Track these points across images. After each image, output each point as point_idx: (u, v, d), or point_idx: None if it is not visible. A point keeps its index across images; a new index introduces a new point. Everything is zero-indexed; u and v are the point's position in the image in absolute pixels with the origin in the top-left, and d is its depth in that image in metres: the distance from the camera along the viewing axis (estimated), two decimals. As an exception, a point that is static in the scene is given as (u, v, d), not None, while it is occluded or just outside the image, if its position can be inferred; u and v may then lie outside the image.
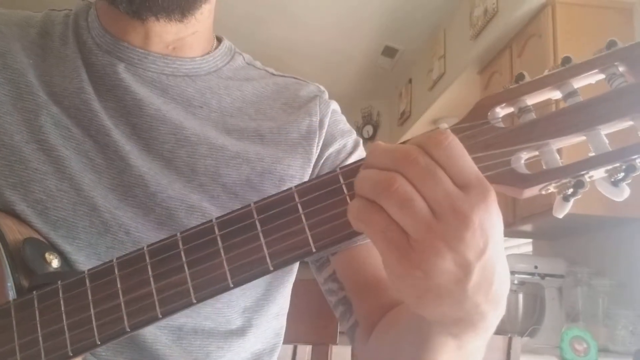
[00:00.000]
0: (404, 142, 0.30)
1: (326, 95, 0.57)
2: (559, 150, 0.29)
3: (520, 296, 1.84)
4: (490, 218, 0.27)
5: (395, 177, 0.27)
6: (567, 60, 0.29)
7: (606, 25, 1.75)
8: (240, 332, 0.48)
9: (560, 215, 0.28)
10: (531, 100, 0.30)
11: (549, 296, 1.82)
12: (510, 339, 1.21)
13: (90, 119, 0.46)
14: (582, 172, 0.27)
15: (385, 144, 0.29)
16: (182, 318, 0.45)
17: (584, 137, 0.28)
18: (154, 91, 0.48)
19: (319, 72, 3.09)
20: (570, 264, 1.85)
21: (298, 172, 0.50)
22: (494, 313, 0.30)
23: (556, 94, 0.29)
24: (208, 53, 0.53)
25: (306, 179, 0.51)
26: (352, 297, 0.50)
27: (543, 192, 0.29)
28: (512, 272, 1.84)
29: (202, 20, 0.50)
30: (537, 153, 0.29)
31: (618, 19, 1.79)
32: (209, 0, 0.48)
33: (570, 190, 0.28)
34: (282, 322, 0.54)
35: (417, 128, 3.00)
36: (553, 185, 0.28)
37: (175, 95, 0.49)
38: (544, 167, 0.29)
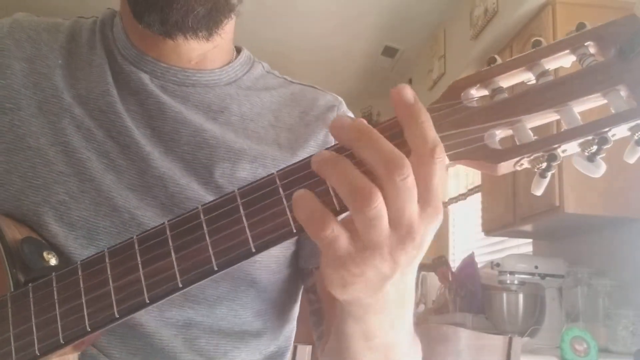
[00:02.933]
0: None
1: (344, 106, 0.58)
2: (534, 130, 0.30)
3: (521, 296, 1.83)
4: (429, 234, 0.29)
5: (376, 195, 0.28)
6: (537, 42, 0.30)
7: (606, 25, 1.75)
8: (256, 333, 0.49)
9: (539, 193, 0.29)
10: (504, 82, 0.30)
11: (549, 296, 1.81)
12: (510, 339, 1.21)
13: (113, 121, 0.47)
14: (555, 146, 0.28)
15: (377, 133, 0.29)
16: (198, 317, 0.46)
17: (556, 115, 0.29)
18: (175, 99, 0.50)
19: (319, 72, 3.09)
20: (570, 264, 1.84)
21: None
22: (398, 304, 0.34)
23: (529, 76, 0.30)
24: (228, 64, 0.54)
25: None
26: (325, 310, 0.51)
27: (517, 168, 0.29)
28: (512, 272, 1.83)
29: (223, 35, 0.51)
30: (510, 131, 0.29)
31: (618, 19, 1.78)
32: (232, 16, 0.50)
33: (544, 165, 0.28)
34: (294, 325, 0.56)
35: (418, 128, 2.99)
36: (526, 159, 0.29)
37: (196, 102, 0.50)
38: (517, 144, 0.29)
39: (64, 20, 0.55)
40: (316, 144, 0.53)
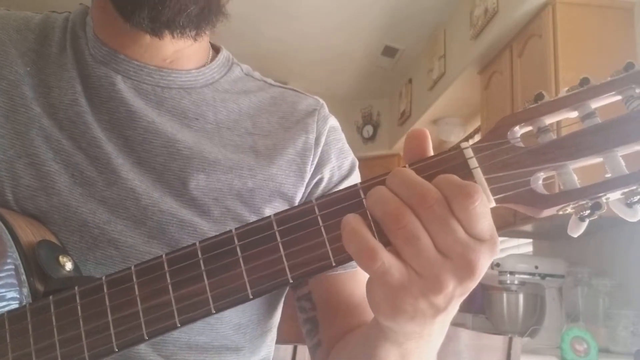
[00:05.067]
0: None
1: (325, 110, 0.56)
2: (575, 169, 0.30)
3: (521, 296, 1.84)
4: (486, 267, 0.29)
5: (404, 213, 0.28)
6: (585, 81, 0.29)
7: (607, 25, 1.75)
8: (235, 348, 0.48)
9: (576, 235, 0.29)
10: (550, 119, 0.30)
11: (550, 296, 1.82)
12: (510, 339, 1.21)
13: (83, 132, 0.46)
14: (600, 195, 0.28)
15: (408, 173, 0.30)
16: (175, 333, 0.44)
17: (600, 159, 0.29)
18: (149, 103, 0.48)
19: (319, 73, 3.08)
20: (570, 264, 1.85)
21: (290, 190, 0.50)
22: (440, 333, 0.35)
23: (574, 114, 0.30)
24: (204, 65, 0.52)
25: (299, 197, 0.51)
26: (320, 319, 0.51)
27: (560, 213, 0.29)
28: (513, 273, 1.84)
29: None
30: (554, 173, 0.29)
31: (618, 19, 1.79)
32: (222, 17, 0.48)
33: (587, 212, 0.29)
34: (274, 334, 0.55)
35: (417, 128, 2.99)
36: (571, 206, 0.29)
37: (170, 108, 0.48)
38: (562, 188, 0.29)
39: (35, 14, 0.52)
40: (295, 151, 0.51)
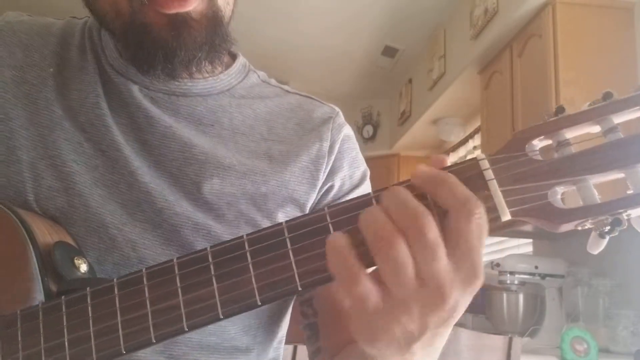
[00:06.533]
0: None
1: (340, 118, 0.56)
2: (596, 185, 0.29)
3: (521, 296, 1.85)
4: (464, 301, 0.29)
5: (396, 240, 0.28)
6: (608, 95, 0.29)
7: (607, 25, 1.76)
8: (245, 349, 0.48)
9: (595, 252, 0.28)
10: (570, 133, 0.30)
11: (550, 296, 1.83)
12: (510, 339, 1.22)
13: (103, 134, 0.47)
14: (620, 211, 0.28)
15: (405, 193, 0.29)
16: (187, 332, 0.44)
17: (622, 175, 0.28)
18: (165, 111, 0.49)
19: (319, 73, 3.08)
20: (570, 264, 1.86)
21: (302, 196, 0.51)
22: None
23: (596, 129, 0.30)
24: (221, 72, 0.53)
25: (310, 203, 0.51)
26: (322, 325, 0.51)
27: (579, 228, 0.29)
28: (513, 272, 1.84)
29: None
30: (574, 187, 0.29)
31: (618, 19, 1.79)
32: (231, 45, 0.49)
33: (608, 228, 0.28)
34: (283, 337, 0.55)
35: (417, 128, 3.00)
36: (590, 221, 0.28)
37: (187, 115, 0.49)
38: (581, 203, 0.29)
39: (57, 20, 0.53)
40: (309, 158, 0.51)
